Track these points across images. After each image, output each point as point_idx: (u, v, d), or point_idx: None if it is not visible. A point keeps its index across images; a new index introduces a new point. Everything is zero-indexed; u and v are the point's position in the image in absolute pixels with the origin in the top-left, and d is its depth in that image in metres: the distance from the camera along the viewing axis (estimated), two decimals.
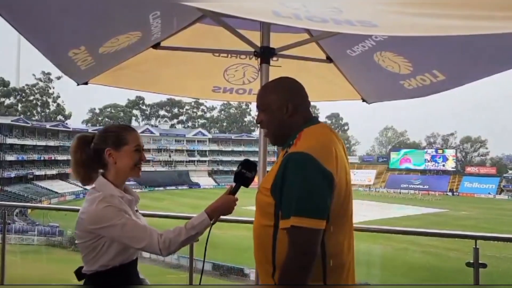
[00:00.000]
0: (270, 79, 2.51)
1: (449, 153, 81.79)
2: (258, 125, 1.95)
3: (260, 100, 1.88)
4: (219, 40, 2.88)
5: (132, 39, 2.25)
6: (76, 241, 1.95)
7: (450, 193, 73.36)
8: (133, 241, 1.86)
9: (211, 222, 1.97)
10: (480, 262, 2.98)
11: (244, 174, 2.05)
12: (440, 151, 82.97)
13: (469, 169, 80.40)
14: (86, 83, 3.01)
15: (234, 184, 2.08)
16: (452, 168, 79.56)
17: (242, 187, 2.08)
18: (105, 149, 1.96)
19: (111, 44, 2.16)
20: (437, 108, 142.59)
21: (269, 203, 1.70)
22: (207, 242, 2.03)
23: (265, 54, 2.47)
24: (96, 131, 2.09)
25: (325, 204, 1.61)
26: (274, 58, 2.98)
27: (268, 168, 2.33)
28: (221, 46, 2.94)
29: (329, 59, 3.11)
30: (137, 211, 2.06)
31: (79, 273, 1.97)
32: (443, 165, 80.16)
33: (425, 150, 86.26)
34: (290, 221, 1.58)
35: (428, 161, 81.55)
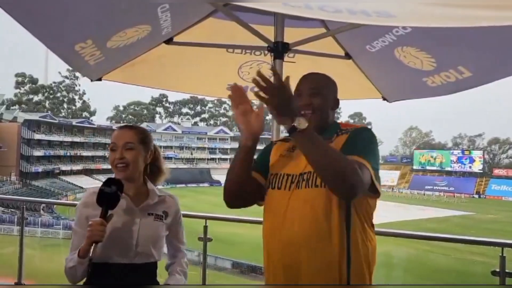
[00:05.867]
0: (284, 75, 2.41)
1: (476, 154, 79.57)
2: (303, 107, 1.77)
3: (318, 83, 1.82)
4: (233, 36, 2.80)
5: (141, 33, 2.19)
6: None
7: (476, 196, 71.32)
8: None
9: (89, 256, 1.73)
10: (507, 271, 2.83)
11: (103, 190, 1.78)
12: (466, 152, 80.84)
13: (496, 171, 77.92)
14: (100, 79, 2.98)
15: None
16: (479, 170, 77.36)
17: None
18: None
19: (119, 38, 2.10)
20: (464, 108, 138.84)
21: None
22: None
23: (279, 49, 2.37)
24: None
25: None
26: (290, 54, 2.89)
27: None
28: (235, 42, 2.85)
29: (347, 56, 2.98)
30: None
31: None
32: (470, 167, 78.03)
33: (451, 151, 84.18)
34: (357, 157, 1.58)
35: (454, 163, 79.56)
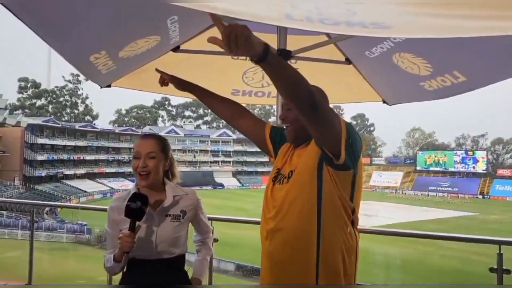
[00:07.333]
0: None
1: (480, 154, 79.26)
2: (281, 120, 1.99)
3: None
4: None
5: (151, 43, 2.30)
6: None
7: (480, 196, 70.96)
8: None
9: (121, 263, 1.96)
10: (504, 268, 2.91)
11: (129, 206, 1.94)
12: (470, 153, 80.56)
13: (500, 172, 77.52)
14: (109, 86, 3.10)
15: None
16: (483, 170, 77.04)
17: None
18: None
19: (131, 48, 2.22)
20: (467, 108, 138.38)
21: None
22: None
23: (282, 56, 2.47)
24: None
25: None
26: (292, 61, 2.99)
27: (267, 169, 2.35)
28: None
29: (347, 61, 3.09)
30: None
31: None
32: (474, 167, 77.69)
33: (455, 151, 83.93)
34: None
35: (458, 163, 79.30)
